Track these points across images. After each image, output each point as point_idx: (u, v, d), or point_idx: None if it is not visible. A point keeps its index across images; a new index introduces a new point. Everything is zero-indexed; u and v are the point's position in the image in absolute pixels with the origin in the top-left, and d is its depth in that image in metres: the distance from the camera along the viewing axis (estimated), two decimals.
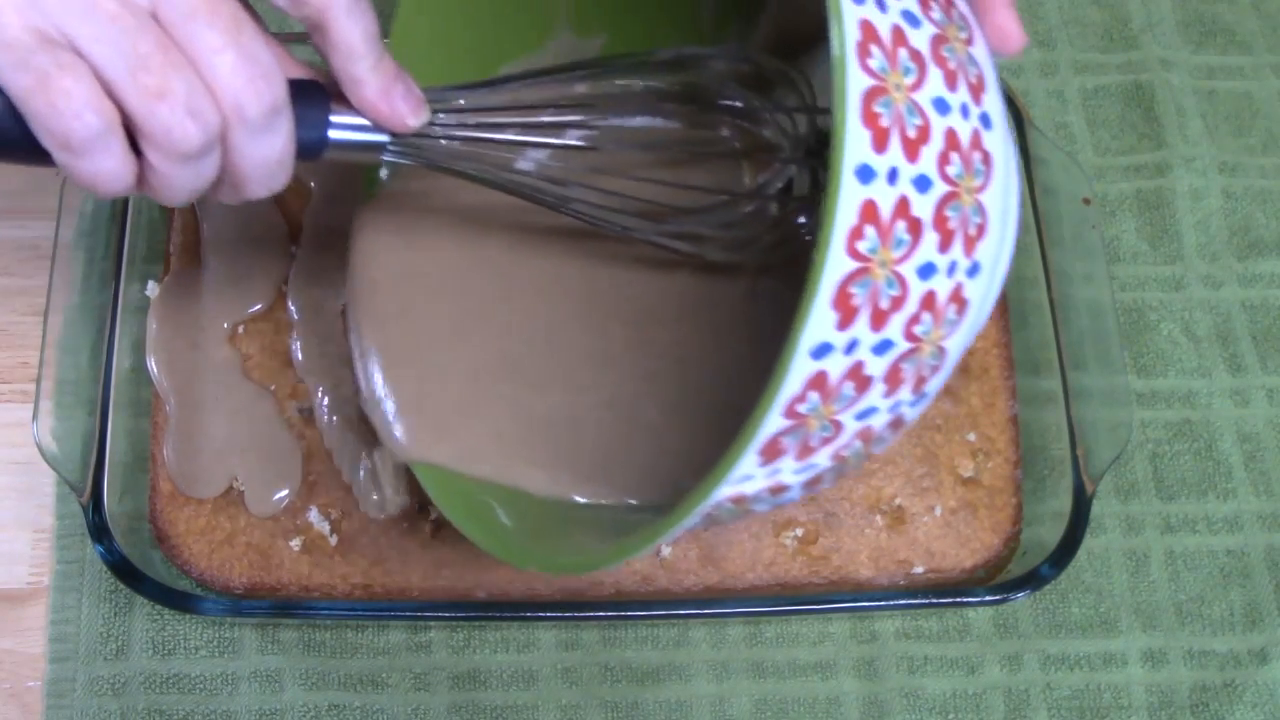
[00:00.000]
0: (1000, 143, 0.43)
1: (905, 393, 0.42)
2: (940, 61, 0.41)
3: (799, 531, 0.61)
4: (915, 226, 0.39)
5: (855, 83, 0.37)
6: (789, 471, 0.41)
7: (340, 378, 0.62)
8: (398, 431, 0.53)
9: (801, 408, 0.39)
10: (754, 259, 0.55)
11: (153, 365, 0.62)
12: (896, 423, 0.44)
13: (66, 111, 0.38)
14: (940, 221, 0.40)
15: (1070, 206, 0.65)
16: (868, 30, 0.38)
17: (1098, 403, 0.61)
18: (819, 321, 0.37)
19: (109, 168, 0.40)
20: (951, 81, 0.41)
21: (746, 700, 0.61)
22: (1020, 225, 0.45)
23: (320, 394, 0.62)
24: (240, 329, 0.63)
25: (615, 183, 0.52)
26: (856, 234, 0.37)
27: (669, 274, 0.57)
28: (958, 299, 0.41)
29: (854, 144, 0.37)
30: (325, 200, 0.65)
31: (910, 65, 0.39)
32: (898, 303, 0.39)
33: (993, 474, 0.63)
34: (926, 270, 0.40)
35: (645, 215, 0.53)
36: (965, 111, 0.41)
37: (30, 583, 0.62)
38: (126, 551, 0.57)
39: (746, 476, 0.40)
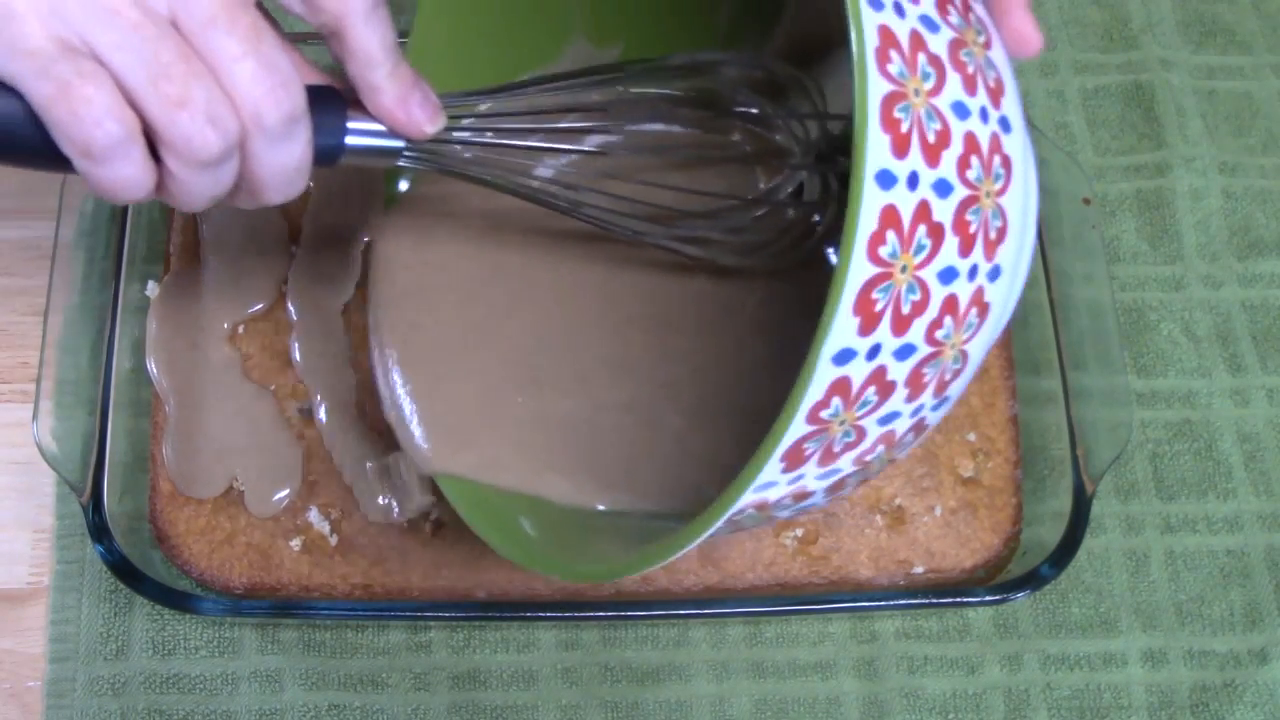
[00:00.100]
0: (1019, 145, 0.43)
1: (927, 397, 0.42)
2: (959, 66, 0.41)
3: (799, 531, 0.61)
4: (936, 231, 0.39)
5: (875, 88, 0.37)
6: (812, 477, 0.41)
7: (340, 378, 0.62)
8: (421, 443, 0.54)
9: (824, 413, 0.39)
10: (766, 263, 0.55)
11: (152, 365, 0.62)
12: (919, 427, 0.44)
13: (88, 119, 0.39)
14: (961, 226, 0.40)
15: (1070, 206, 0.65)
16: (886, 36, 0.38)
17: (1098, 403, 0.61)
18: (841, 328, 0.37)
19: (129, 175, 0.41)
20: (970, 86, 0.41)
21: (746, 700, 0.61)
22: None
23: (320, 394, 0.62)
24: (240, 329, 0.63)
25: (627, 187, 0.52)
26: (878, 239, 0.37)
27: (685, 279, 0.57)
28: (979, 303, 0.41)
29: (875, 150, 0.37)
30: (325, 200, 0.65)
31: (929, 70, 0.39)
32: (919, 307, 0.39)
33: (993, 474, 0.63)
34: (948, 274, 0.40)
35: (657, 219, 0.53)
36: (984, 115, 0.41)
37: (30, 583, 0.62)
38: (126, 551, 0.57)
39: (770, 483, 0.40)
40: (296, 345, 0.63)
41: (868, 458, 0.42)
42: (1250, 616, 0.64)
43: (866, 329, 0.38)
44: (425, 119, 0.46)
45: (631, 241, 0.55)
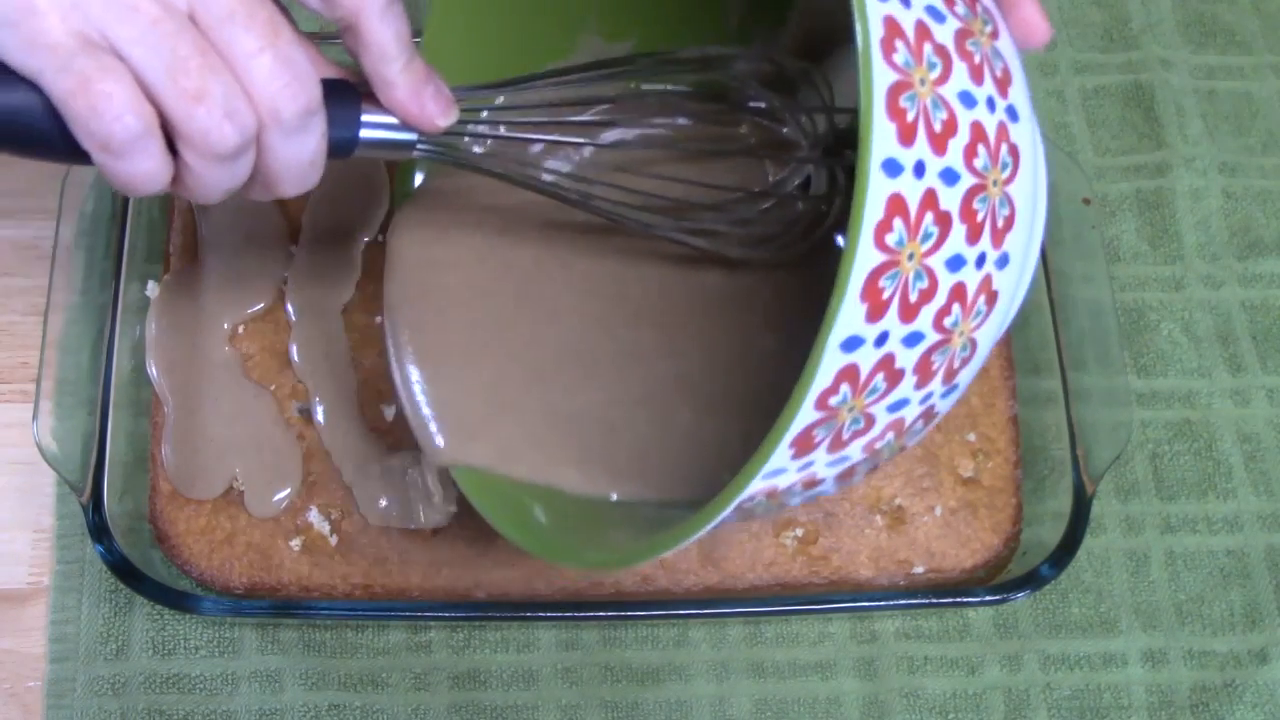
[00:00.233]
0: (1027, 135, 0.43)
1: (936, 384, 0.42)
2: (965, 55, 0.41)
3: (799, 531, 0.61)
4: (943, 219, 0.39)
5: (881, 77, 0.37)
6: (822, 464, 0.42)
7: (340, 378, 0.62)
8: (435, 434, 0.54)
9: (833, 400, 0.39)
10: (774, 256, 0.55)
11: (152, 365, 0.62)
12: (928, 414, 0.44)
13: (107, 114, 0.39)
14: (968, 214, 0.40)
15: (1070, 206, 0.65)
16: (892, 26, 0.38)
17: (1098, 403, 0.61)
18: (849, 314, 0.38)
19: (147, 168, 0.41)
20: (977, 75, 0.41)
21: (746, 700, 0.61)
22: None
23: (319, 394, 0.62)
24: (240, 329, 0.63)
25: (637, 180, 0.53)
26: (884, 227, 0.37)
27: (694, 272, 0.57)
28: (987, 290, 0.42)
29: (880, 138, 0.37)
30: (325, 200, 0.65)
31: (935, 60, 0.39)
32: (927, 295, 0.39)
33: (993, 474, 0.63)
34: (955, 262, 0.40)
35: (667, 212, 0.53)
36: (991, 105, 0.41)
37: (30, 583, 0.62)
38: (126, 551, 0.57)
39: (780, 470, 0.41)
40: (295, 345, 0.63)
41: (877, 445, 0.43)
42: (1250, 616, 0.64)
43: (874, 316, 0.38)
44: (438, 112, 0.47)
45: (641, 235, 0.55)
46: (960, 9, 0.42)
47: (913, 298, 0.39)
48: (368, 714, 0.60)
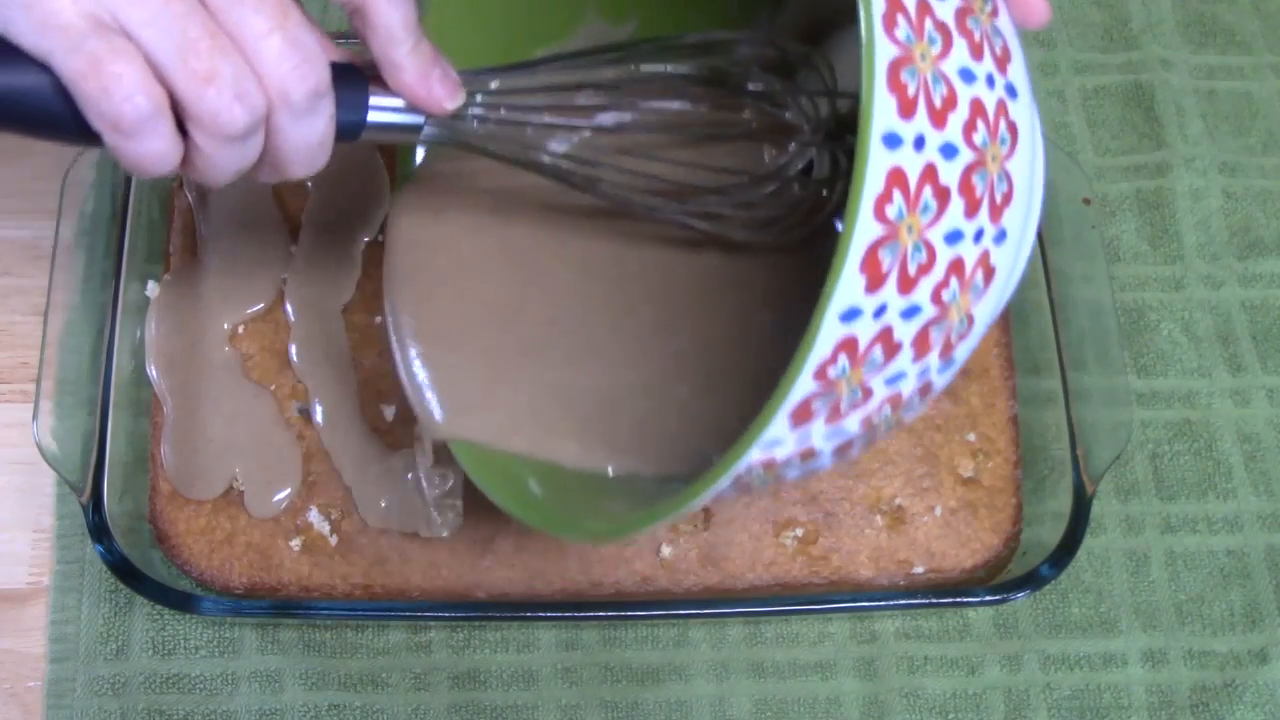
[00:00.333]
0: (1026, 113, 0.43)
1: (933, 359, 0.43)
2: (965, 32, 0.41)
3: (799, 531, 0.61)
4: (942, 193, 0.40)
5: (882, 52, 0.38)
6: (819, 436, 0.42)
7: (340, 378, 0.62)
8: (435, 409, 0.54)
9: (831, 371, 0.40)
10: (776, 238, 0.56)
11: (152, 366, 0.62)
12: (925, 389, 0.44)
13: (118, 94, 0.39)
14: (967, 189, 0.40)
15: (1070, 206, 0.65)
16: (893, 1, 0.39)
17: (1098, 403, 0.61)
18: (848, 285, 0.38)
19: (157, 149, 0.41)
20: (977, 52, 0.41)
21: (746, 700, 0.61)
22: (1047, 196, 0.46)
23: (318, 395, 0.62)
24: (240, 329, 0.63)
25: (641, 164, 0.53)
26: (884, 199, 0.38)
27: (695, 254, 0.58)
28: (985, 266, 0.42)
29: (881, 111, 0.37)
30: (323, 201, 0.66)
31: (935, 35, 0.40)
32: (925, 268, 0.40)
33: (993, 474, 0.63)
34: (953, 237, 0.40)
35: (670, 195, 0.54)
36: (991, 81, 0.41)
37: (30, 583, 0.62)
38: (126, 551, 0.57)
39: (777, 440, 0.41)
40: (295, 345, 0.63)
41: (874, 419, 0.43)
42: (1250, 616, 0.64)
43: (873, 287, 0.39)
44: (445, 95, 0.47)
45: (643, 217, 0.56)
46: None
47: (911, 271, 0.39)
48: (368, 714, 0.60)
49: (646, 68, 0.55)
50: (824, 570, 0.61)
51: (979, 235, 0.41)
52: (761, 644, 0.62)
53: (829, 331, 0.38)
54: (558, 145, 0.53)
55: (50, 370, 0.59)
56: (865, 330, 0.39)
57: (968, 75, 0.41)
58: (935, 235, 0.40)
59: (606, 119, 0.54)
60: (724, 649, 0.62)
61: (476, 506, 0.61)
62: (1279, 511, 0.66)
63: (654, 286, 0.57)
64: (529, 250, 0.57)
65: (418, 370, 0.54)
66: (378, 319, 0.64)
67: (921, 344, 0.42)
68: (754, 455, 0.41)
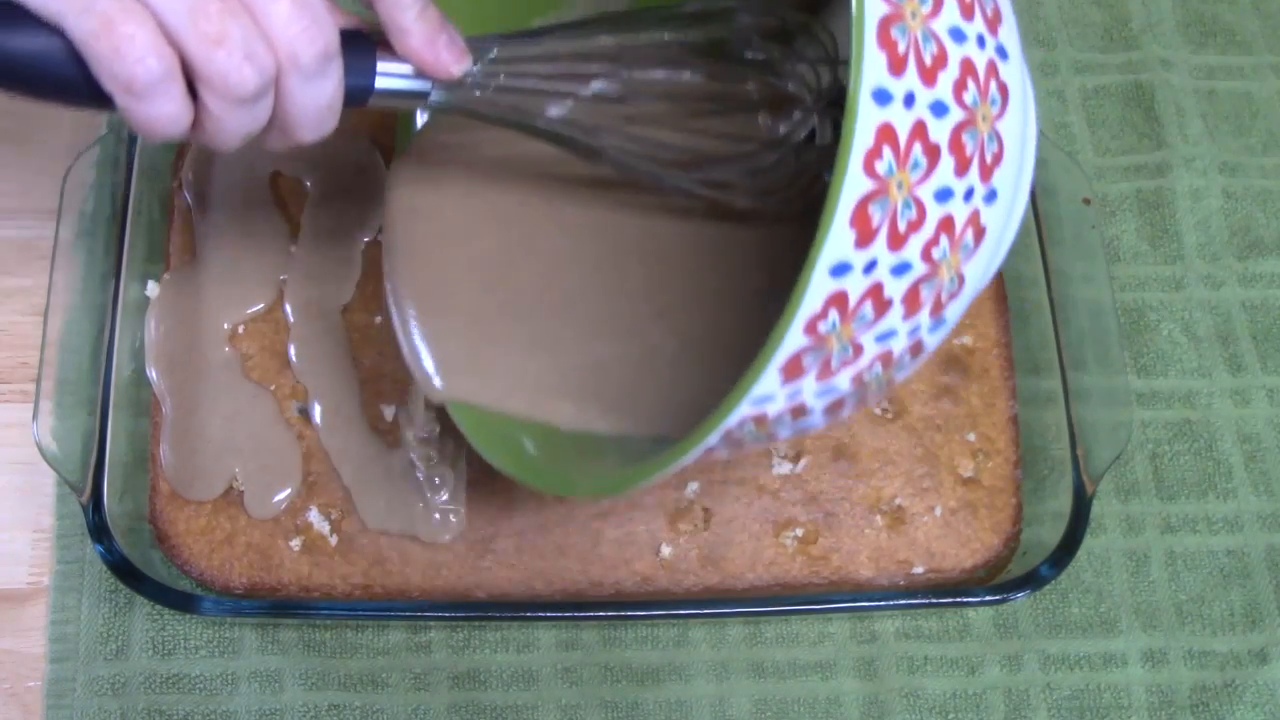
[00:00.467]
0: (1017, 75, 0.44)
1: (924, 317, 0.43)
2: None
3: (799, 531, 0.61)
4: (932, 151, 0.40)
5: (872, 8, 0.38)
6: (810, 393, 0.42)
7: (341, 379, 0.62)
8: (433, 373, 0.55)
9: (822, 326, 0.40)
10: (776, 206, 0.56)
11: (151, 366, 0.62)
12: (917, 348, 0.44)
13: (129, 56, 0.40)
14: (957, 147, 0.41)
15: (1070, 206, 0.65)
16: None
17: (1098, 403, 0.61)
18: (838, 239, 0.38)
19: (168, 111, 0.42)
20: (968, 12, 0.42)
21: (746, 700, 0.61)
22: (1036, 163, 0.46)
23: (317, 395, 0.62)
24: (240, 329, 0.63)
25: (646, 131, 0.53)
26: (874, 154, 0.38)
27: (692, 223, 0.58)
28: (975, 225, 0.42)
29: (871, 67, 0.38)
30: (323, 200, 0.66)
31: None
32: (915, 225, 0.40)
33: (993, 474, 0.63)
34: (943, 194, 0.41)
35: (675, 163, 0.54)
36: (981, 42, 0.42)
37: (30, 583, 0.62)
38: (126, 551, 0.57)
39: (769, 396, 0.41)
40: (294, 346, 0.63)
41: (866, 378, 0.43)
42: (1250, 616, 0.64)
43: (863, 242, 0.39)
44: (452, 60, 0.47)
45: (642, 185, 0.56)
46: None
47: (901, 227, 0.40)
48: (368, 714, 0.60)
49: (647, 36, 0.55)
50: (824, 570, 0.61)
51: (969, 194, 0.42)
52: (761, 644, 0.62)
53: (819, 285, 0.39)
54: (563, 112, 0.53)
55: (50, 370, 0.59)
56: (855, 285, 0.40)
57: (958, 35, 0.41)
58: (925, 192, 0.40)
59: (609, 87, 0.55)
60: (724, 649, 0.62)
61: (477, 507, 0.61)
62: (1279, 511, 0.66)
63: (648, 253, 0.58)
64: (525, 218, 0.58)
65: (416, 335, 0.55)
66: (378, 319, 0.64)
67: (912, 301, 0.42)
68: (745, 410, 0.41)
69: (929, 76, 0.40)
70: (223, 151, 0.46)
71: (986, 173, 0.42)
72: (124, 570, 0.57)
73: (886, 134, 0.39)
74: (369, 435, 0.61)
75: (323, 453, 0.61)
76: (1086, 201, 0.66)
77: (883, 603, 0.60)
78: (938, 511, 0.62)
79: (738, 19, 0.56)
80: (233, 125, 0.44)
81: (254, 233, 0.65)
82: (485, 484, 0.61)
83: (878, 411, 0.63)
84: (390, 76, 0.47)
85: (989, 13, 0.43)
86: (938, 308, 0.43)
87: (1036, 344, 0.64)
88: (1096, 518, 0.64)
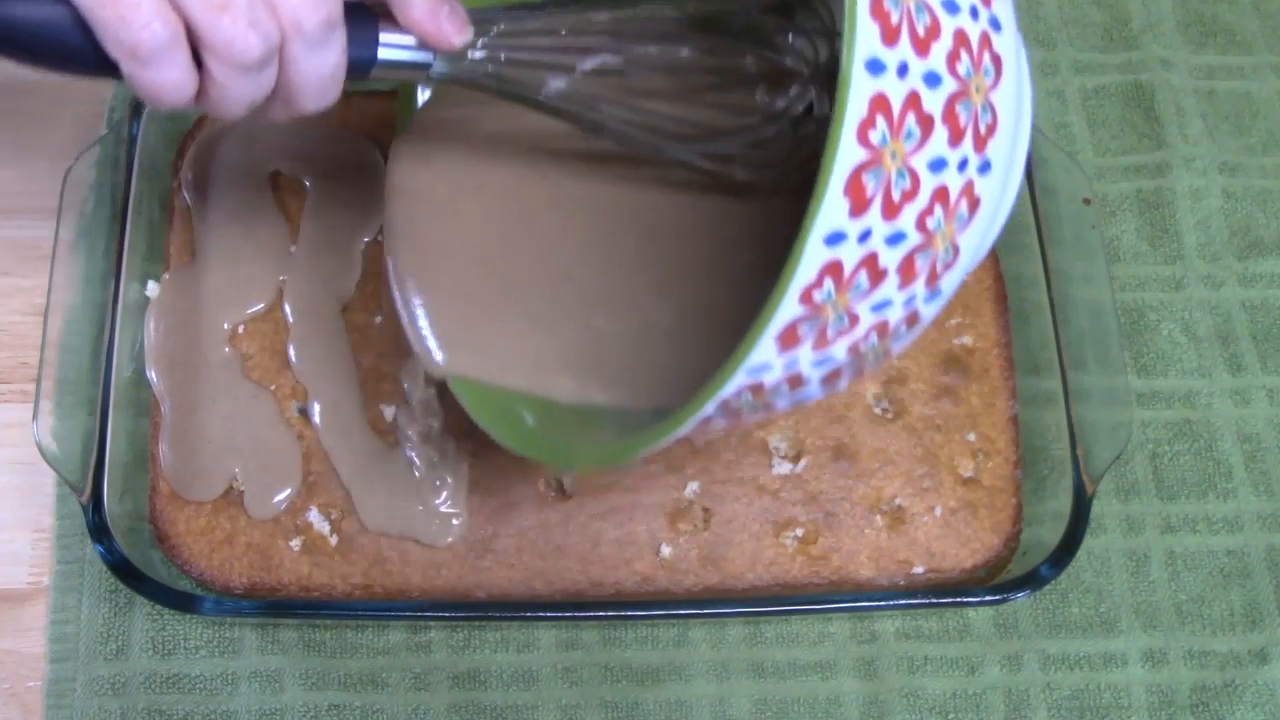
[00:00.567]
0: (1010, 46, 0.44)
1: (919, 287, 0.43)
2: None
3: (799, 531, 0.61)
4: (925, 121, 0.40)
5: None
6: (807, 363, 0.42)
7: (341, 379, 0.62)
8: (434, 348, 0.55)
9: (817, 295, 0.40)
10: (774, 179, 0.56)
11: (151, 366, 0.62)
12: (912, 319, 0.44)
13: (135, 22, 0.41)
14: (950, 117, 0.41)
15: (1070, 206, 0.65)
16: None
17: (1098, 403, 0.61)
18: (832, 208, 0.39)
19: (173, 78, 0.43)
20: None
21: (746, 700, 0.61)
22: (1031, 134, 0.46)
23: (317, 396, 0.62)
24: (240, 329, 0.63)
25: (648, 103, 0.54)
26: (868, 124, 0.39)
27: (689, 198, 0.58)
28: (970, 196, 0.43)
29: (864, 37, 0.38)
30: (323, 200, 0.66)
31: None
32: (909, 195, 0.40)
33: (993, 474, 0.63)
34: (938, 164, 0.41)
35: (676, 136, 0.54)
36: (974, 13, 0.42)
37: (30, 583, 0.62)
38: (126, 551, 0.57)
39: (765, 365, 0.41)
40: (294, 346, 0.63)
41: (862, 348, 0.43)
42: (1250, 616, 0.64)
43: (857, 211, 0.39)
44: (454, 31, 0.48)
45: (638, 161, 0.57)
46: None
47: (895, 196, 0.40)
48: (368, 714, 0.60)
49: (647, 10, 0.56)
50: (824, 570, 0.61)
51: (963, 164, 0.42)
52: (761, 644, 0.62)
53: (813, 254, 0.39)
54: (564, 84, 0.54)
55: (50, 370, 0.59)
56: (850, 254, 0.40)
57: (951, 6, 0.41)
58: (919, 162, 0.40)
59: (610, 60, 0.55)
60: (724, 649, 0.62)
61: (476, 507, 0.61)
62: (1279, 511, 0.66)
63: (645, 228, 0.58)
64: (524, 194, 0.58)
65: (417, 311, 0.55)
66: (378, 319, 0.64)
67: (907, 271, 0.42)
68: (742, 380, 0.42)
69: (922, 47, 0.40)
70: (227, 120, 0.46)
71: (980, 143, 0.42)
72: (124, 570, 0.57)
73: (880, 104, 0.39)
74: (369, 435, 0.61)
75: (323, 453, 0.61)
76: (1086, 201, 0.66)
77: (883, 603, 0.60)
78: (938, 511, 0.62)
79: None
80: (237, 93, 0.44)
81: (254, 233, 0.65)
82: (485, 484, 0.61)
83: (878, 411, 0.64)
84: (393, 48, 0.48)
85: None
86: (933, 278, 0.43)
87: (1036, 344, 0.64)
88: (1096, 518, 0.64)
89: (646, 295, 0.56)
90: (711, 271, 0.57)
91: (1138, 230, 0.71)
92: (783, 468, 0.62)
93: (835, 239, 0.39)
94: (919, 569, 0.61)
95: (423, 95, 0.61)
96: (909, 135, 0.40)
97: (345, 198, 0.65)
